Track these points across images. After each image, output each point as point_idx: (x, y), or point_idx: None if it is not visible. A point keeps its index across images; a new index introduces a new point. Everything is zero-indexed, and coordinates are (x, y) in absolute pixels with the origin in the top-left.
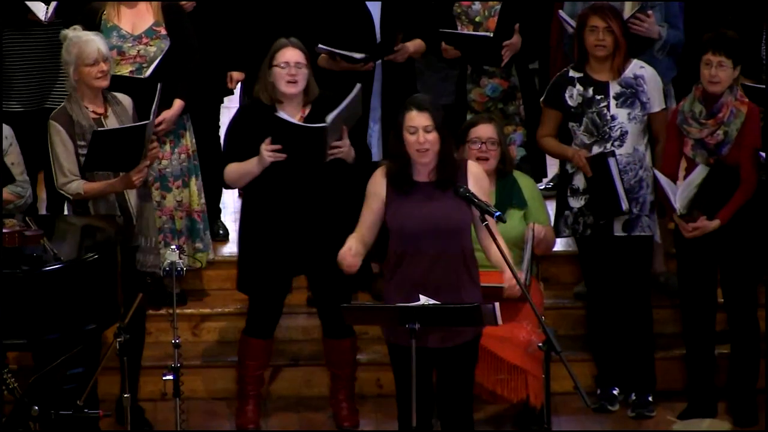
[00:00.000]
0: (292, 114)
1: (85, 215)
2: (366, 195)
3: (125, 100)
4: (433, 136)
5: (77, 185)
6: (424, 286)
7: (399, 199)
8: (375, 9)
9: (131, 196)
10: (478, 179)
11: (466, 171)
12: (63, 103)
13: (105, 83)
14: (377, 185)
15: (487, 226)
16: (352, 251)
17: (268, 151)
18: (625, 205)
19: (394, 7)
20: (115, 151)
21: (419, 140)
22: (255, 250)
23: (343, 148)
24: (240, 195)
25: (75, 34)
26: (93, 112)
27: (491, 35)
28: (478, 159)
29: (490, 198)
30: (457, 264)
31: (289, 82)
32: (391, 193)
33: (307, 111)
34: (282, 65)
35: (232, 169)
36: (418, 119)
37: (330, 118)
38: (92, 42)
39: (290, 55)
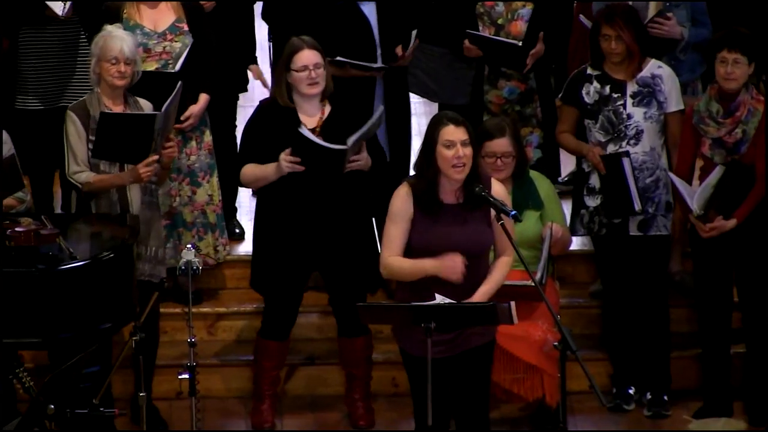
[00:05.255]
0: (312, 114)
1: (87, 213)
2: (391, 213)
3: (146, 105)
4: (470, 150)
5: (87, 175)
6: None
7: (425, 221)
8: (371, 12)
9: (134, 200)
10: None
11: (490, 189)
12: (84, 97)
13: (121, 83)
14: (403, 204)
15: (503, 225)
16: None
17: (287, 162)
18: (638, 206)
19: (391, 8)
20: (122, 138)
21: (458, 154)
22: (269, 247)
23: (361, 161)
24: (254, 194)
25: (111, 28)
26: (109, 109)
27: (519, 44)
28: (492, 171)
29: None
30: (479, 284)
31: (310, 84)
32: (418, 212)
33: (327, 111)
34: (301, 69)
35: (249, 172)
36: (456, 133)
37: (351, 140)
38: (118, 40)
39: (308, 57)
